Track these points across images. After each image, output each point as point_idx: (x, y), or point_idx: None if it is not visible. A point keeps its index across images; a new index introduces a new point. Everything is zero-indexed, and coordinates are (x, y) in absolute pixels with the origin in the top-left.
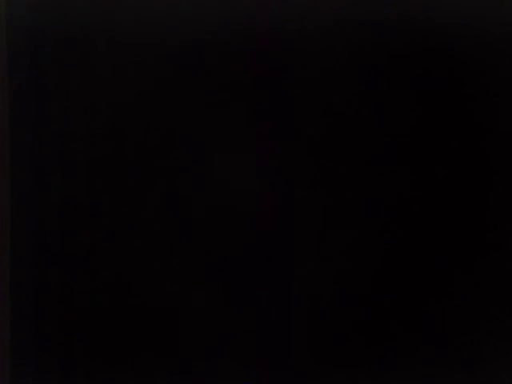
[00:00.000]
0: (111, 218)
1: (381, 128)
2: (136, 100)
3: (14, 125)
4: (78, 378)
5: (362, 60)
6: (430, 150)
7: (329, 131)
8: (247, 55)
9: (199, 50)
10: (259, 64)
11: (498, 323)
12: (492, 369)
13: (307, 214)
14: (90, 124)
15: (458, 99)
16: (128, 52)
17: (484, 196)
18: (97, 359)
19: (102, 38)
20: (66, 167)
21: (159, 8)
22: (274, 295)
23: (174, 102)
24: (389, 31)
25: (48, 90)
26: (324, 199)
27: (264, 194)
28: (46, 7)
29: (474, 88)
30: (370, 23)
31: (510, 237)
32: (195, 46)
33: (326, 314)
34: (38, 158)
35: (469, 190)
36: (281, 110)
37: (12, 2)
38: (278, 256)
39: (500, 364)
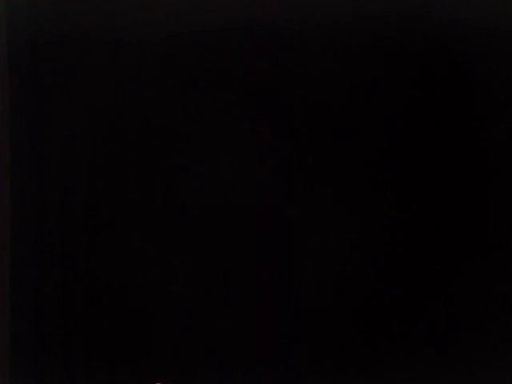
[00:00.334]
0: (111, 218)
1: (381, 128)
2: (136, 100)
3: (14, 125)
4: (78, 377)
5: (361, 60)
6: (430, 150)
7: (329, 131)
8: (247, 55)
9: (199, 50)
10: (259, 64)
11: (498, 323)
12: (492, 369)
13: (307, 214)
14: (89, 124)
15: (458, 99)
16: (128, 52)
17: (484, 196)
18: (96, 359)
19: (102, 37)
20: (66, 167)
21: (159, 8)
22: (274, 295)
23: (174, 101)
24: (388, 31)
25: (48, 90)
26: (324, 199)
27: (264, 194)
28: (45, 7)
29: (474, 88)
30: (370, 23)
31: (510, 237)
32: (195, 47)
33: (326, 313)
34: (38, 158)
35: (469, 190)
36: (281, 110)
37: (12, 2)
38: (278, 256)
39: (500, 364)
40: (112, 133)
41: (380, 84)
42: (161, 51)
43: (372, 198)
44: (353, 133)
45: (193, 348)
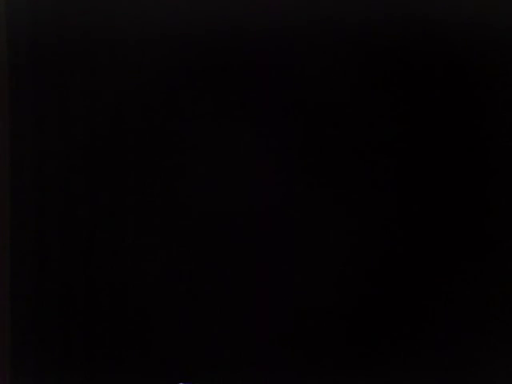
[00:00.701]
0: (111, 218)
1: (381, 128)
2: (136, 100)
3: (14, 125)
4: (78, 377)
5: (361, 60)
6: (430, 151)
7: (329, 131)
8: (247, 55)
9: (199, 50)
10: (259, 64)
11: (498, 323)
12: (492, 369)
13: (307, 215)
14: (89, 124)
15: (458, 99)
16: (128, 52)
17: (484, 196)
18: (96, 359)
19: (102, 37)
20: (66, 167)
21: (159, 8)
22: (274, 295)
23: (174, 102)
24: (388, 31)
25: (48, 90)
26: (324, 200)
27: (264, 194)
28: (46, 7)
29: (474, 88)
30: (370, 23)
31: (510, 237)
32: (195, 47)
33: (326, 314)
34: (38, 158)
35: (469, 191)
36: (281, 110)
37: (12, 2)
38: (278, 256)
39: (500, 364)
40: (112, 133)
41: (380, 84)
42: (161, 51)
43: (372, 198)
44: (353, 133)
45: (193, 348)
